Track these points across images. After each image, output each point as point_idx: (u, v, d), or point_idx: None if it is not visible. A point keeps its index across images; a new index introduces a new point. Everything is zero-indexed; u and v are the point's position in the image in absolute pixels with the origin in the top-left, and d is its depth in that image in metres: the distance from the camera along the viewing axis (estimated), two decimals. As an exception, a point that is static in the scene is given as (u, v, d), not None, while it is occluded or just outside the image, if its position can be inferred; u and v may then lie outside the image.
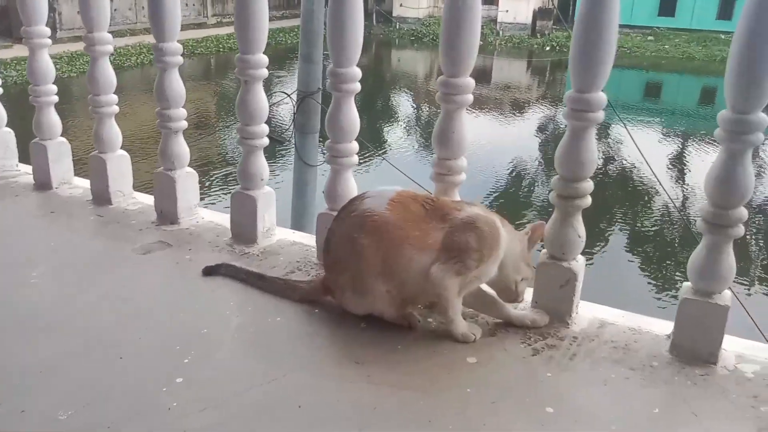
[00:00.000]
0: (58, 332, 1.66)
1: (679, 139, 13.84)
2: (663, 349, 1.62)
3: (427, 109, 14.90)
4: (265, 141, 2.10)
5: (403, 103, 15.81)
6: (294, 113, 6.56)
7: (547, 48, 20.96)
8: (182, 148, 2.23)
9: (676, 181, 11.56)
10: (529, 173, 11.85)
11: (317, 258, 2.03)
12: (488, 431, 1.34)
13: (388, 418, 1.37)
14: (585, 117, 1.59)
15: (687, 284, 1.61)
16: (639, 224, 9.78)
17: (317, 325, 1.70)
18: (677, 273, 7.99)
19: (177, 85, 2.14)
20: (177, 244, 2.12)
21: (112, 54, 2.36)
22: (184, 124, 2.21)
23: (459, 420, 1.37)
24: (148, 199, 2.42)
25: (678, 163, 12.61)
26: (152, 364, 1.53)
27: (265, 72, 2.02)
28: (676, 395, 1.47)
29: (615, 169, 11.97)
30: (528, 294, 1.73)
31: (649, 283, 8.07)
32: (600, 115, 1.58)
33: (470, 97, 1.73)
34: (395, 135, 13.51)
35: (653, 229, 9.69)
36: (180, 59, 2.14)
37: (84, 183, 2.55)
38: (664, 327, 1.71)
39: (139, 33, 18.20)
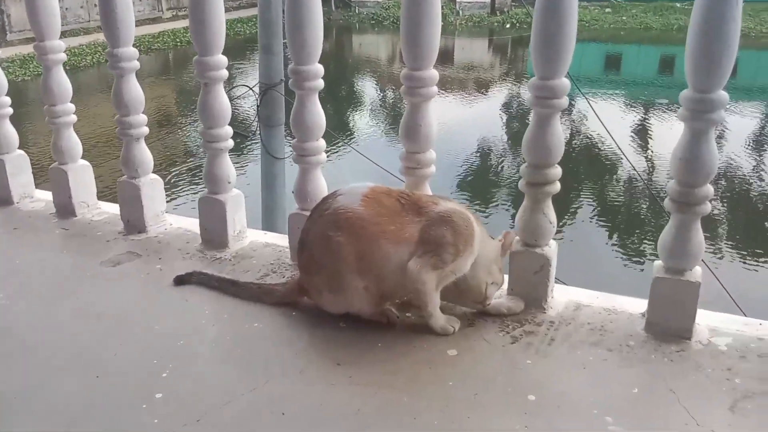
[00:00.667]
0: (31, 354, 1.62)
1: (641, 109, 14.02)
2: (638, 328, 1.65)
3: (392, 93, 14.85)
4: (230, 143, 2.07)
5: (368, 88, 15.74)
6: (257, 106, 6.48)
7: (507, 25, 21.00)
8: (145, 154, 2.18)
9: (640, 150, 11.72)
10: (496, 152, 11.90)
11: (291, 259, 2.01)
12: (472, 424, 1.35)
13: (373, 419, 1.37)
14: (549, 104, 1.59)
15: (658, 263, 1.63)
16: (605, 196, 9.91)
17: (296, 329, 1.68)
18: (645, 242, 8.12)
19: (135, 90, 2.09)
20: (146, 254, 2.08)
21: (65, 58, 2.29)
22: (146, 130, 2.16)
23: (443, 415, 1.37)
24: (113, 209, 2.37)
25: (641, 132, 12.79)
26: (131, 380, 1.51)
27: (225, 73, 1.98)
28: (654, 374, 1.49)
29: (579, 143, 12.09)
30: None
31: (616, 252, 8.19)
32: (564, 101, 1.59)
33: (435, 90, 1.72)
34: (361, 121, 13.45)
35: (619, 199, 9.82)
36: (136, 64, 2.08)
37: (46, 195, 2.49)
38: (638, 305, 1.73)
39: (92, 32, 17.75)
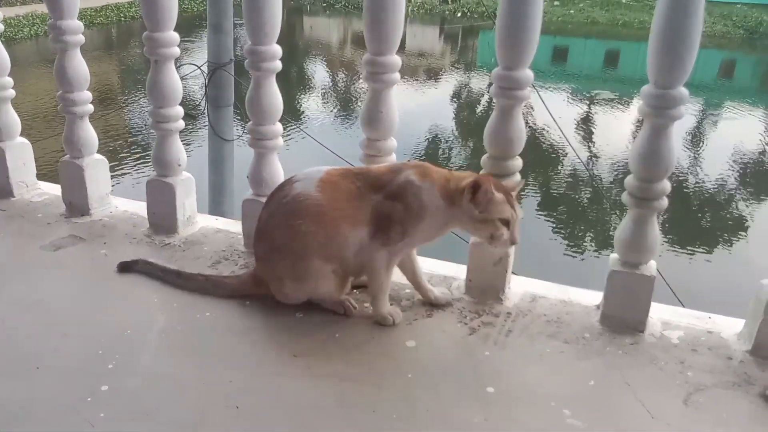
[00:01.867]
0: (-38, 345, 1.52)
1: (586, 101, 14.32)
2: (594, 320, 1.66)
3: (343, 76, 14.71)
4: (181, 124, 1.98)
5: (319, 71, 15.55)
6: (205, 86, 6.29)
7: (458, 14, 21.08)
8: (89, 133, 2.07)
9: (584, 142, 11.97)
10: (446, 139, 11.96)
11: (244, 246, 1.95)
12: (432, 416, 1.34)
13: (332, 411, 1.34)
14: (513, 95, 1.57)
15: (614, 256, 1.65)
16: (549, 186, 10.08)
17: (250, 319, 1.63)
18: (588, 233, 8.30)
19: (80, 66, 1.98)
20: (90, 238, 1.98)
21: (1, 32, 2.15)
22: (90, 108, 2.05)
23: (403, 407, 1.35)
24: (54, 189, 2.25)
25: (585, 124, 13.06)
26: (73, 372, 1.43)
27: (176, 50, 1.89)
28: (610, 366, 1.51)
29: (526, 132, 12.26)
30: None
31: (561, 243, 8.36)
32: (527, 93, 1.58)
33: (397, 76, 1.68)
34: (312, 105, 13.28)
35: (561, 190, 10.02)
36: (81, 38, 1.97)
37: (-20, 174, 2.34)
38: (593, 298, 1.75)
39: (30, 2, 16.91)
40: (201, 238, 2.01)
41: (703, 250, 7.36)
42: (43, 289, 1.73)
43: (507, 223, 1.50)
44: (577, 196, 9.87)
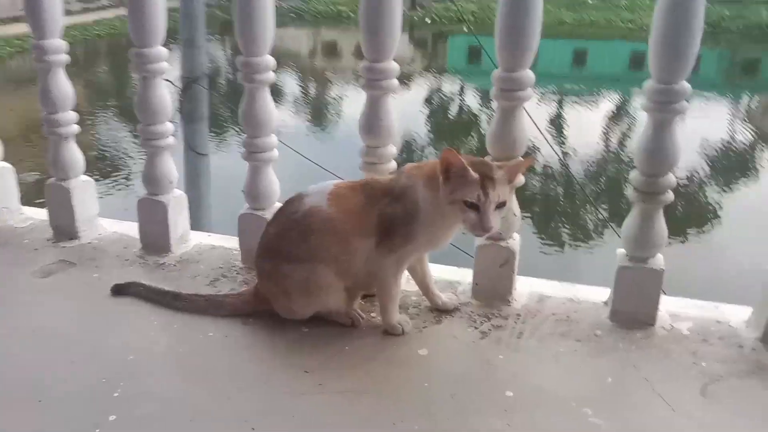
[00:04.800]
0: (-43, 380, 1.45)
1: (556, 99, 14.47)
2: (603, 317, 1.66)
3: (314, 87, 14.68)
4: (171, 140, 1.94)
5: (289, 82, 15.49)
6: (180, 100, 6.21)
7: (428, 20, 21.19)
8: (75, 154, 2.01)
9: (556, 140, 12.08)
10: (419, 144, 11.97)
11: (242, 262, 1.91)
12: (454, 425, 1.31)
13: (350, 428, 1.30)
14: (515, 96, 1.56)
15: (621, 251, 1.64)
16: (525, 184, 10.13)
17: (255, 336, 1.59)
18: (564, 228, 8.34)
19: (64, 86, 1.92)
20: (81, 262, 1.92)
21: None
22: (75, 128, 1.99)
23: (423, 418, 1.32)
24: (39, 214, 2.18)
25: (556, 122, 13.19)
26: (79, 403, 1.37)
27: (165, 66, 1.85)
28: (624, 362, 1.50)
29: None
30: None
31: (539, 238, 8.39)
32: (529, 93, 1.57)
33: (396, 82, 1.66)
34: (284, 115, 13.21)
35: (537, 187, 10.08)
36: (65, 57, 1.91)
37: (-40, 202, 2.26)
38: (599, 294, 1.75)
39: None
40: (196, 256, 1.97)
41: (679, 240, 7.46)
42: (37, 317, 1.67)
43: (474, 206, 1.40)
44: (552, 193, 9.93)
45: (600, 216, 7.86)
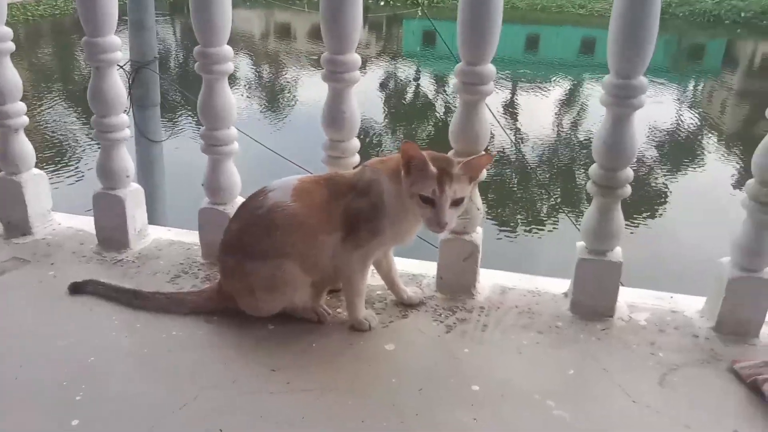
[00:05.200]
0: None
1: (509, 85, 14.62)
2: (564, 308, 1.69)
3: (267, 69, 14.46)
4: (127, 133, 1.89)
5: (242, 66, 15.21)
6: (129, 86, 6.04)
7: (381, 3, 21.08)
8: (25, 147, 1.94)
9: (511, 125, 12.23)
10: (376, 129, 11.96)
11: (203, 257, 1.88)
12: (422, 420, 1.32)
13: (319, 426, 1.30)
14: (477, 90, 1.57)
15: (581, 244, 1.68)
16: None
17: (220, 334, 1.57)
18: (518, 213, 8.47)
19: (11, 75, 1.84)
20: (35, 259, 1.86)
21: None
22: (25, 119, 1.92)
23: (391, 414, 1.33)
24: (-14, 209, 2.09)
25: (510, 108, 13.33)
26: (38, 409, 1.33)
27: (118, 55, 1.79)
28: (585, 353, 1.54)
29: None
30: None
31: (493, 224, 8.51)
32: (491, 87, 1.57)
33: (358, 74, 1.65)
34: (238, 100, 12.99)
35: (490, 173, 10.20)
36: (11, 45, 1.83)
37: None
38: (559, 286, 1.78)
39: None
40: (155, 252, 1.92)
41: (629, 224, 7.68)
42: (-11, 318, 1.61)
43: (430, 201, 1.39)
44: (507, 179, 10.06)
45: (553, 201, 8.01)
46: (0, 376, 1.41)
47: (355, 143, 1.71)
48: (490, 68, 1.56)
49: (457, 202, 1.41)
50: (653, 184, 8.34)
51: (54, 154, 8.24)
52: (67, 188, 6.93)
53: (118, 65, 1.84)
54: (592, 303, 1.65)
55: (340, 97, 1.66)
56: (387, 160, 1.51)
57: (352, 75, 1.63)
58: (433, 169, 1.38)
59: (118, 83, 1.81)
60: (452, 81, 1.58)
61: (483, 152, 1.60)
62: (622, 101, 1.49)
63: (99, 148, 1.89)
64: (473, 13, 1.50)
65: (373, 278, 1.70)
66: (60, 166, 7.81)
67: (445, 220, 1.39)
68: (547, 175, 9.18)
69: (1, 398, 1.35)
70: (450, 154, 1.64)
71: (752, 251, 1.55)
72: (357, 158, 1.73)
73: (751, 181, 1.53)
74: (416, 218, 1.48)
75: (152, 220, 2.06)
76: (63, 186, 7.04)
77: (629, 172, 1.57)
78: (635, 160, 1.56)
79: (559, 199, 8.10)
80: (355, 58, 1.63)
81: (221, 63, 1.70)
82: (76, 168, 7.69)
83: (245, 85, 13.87)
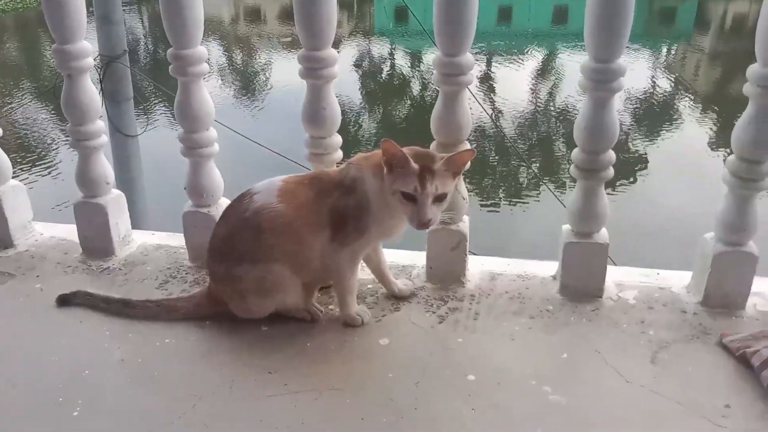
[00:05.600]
0: None
1: (484, 58, 14.57)
2: (553, 291, 1.71)
3: (240, 54, 14.27)
4: (104, 140, 1.86)
5: (213, 50, 15.00)
6: (101, 81, 5.93)
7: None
8: (1, 159, 1.90)
9: (487, 97, 12.20)
10: (352, 108, 11.88)
11: (190, 260, 1.87)
12: (421, 414, 1.33)
13: (320, 427, 1.31)
14: (457, 81, 1.56)
15: (567, 227, 1.69)
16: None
17: (214, 339, 1.56)
18: (500, 187, 8.49)
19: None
20: (20, 273, 1.84)
21: None
22: (-1, 131, 1.88)
23: (390, 410, 1.34)
24: (-35, 223, 2.06)
25: (486, 80, 13.30)
26: (35, 426, 1.32)
27: (90, 62, 1.76)
28: (577, 335, 1.56)
29: (431, 95, 12.38)
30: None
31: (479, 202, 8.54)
32: (470, 77, 1.57)
33: (337, 69, 1.63)
34: (210, 85, 12.81)
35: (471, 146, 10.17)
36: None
37: None
38: (547, 269, 1.80)
39: None
40: (141, 258, 1.91)
41: (609, 193, 7.75)
42: (-22, 337, 1.59)
43: (412, 198, 1.39)
44: (486, 153, 10.07)
45: (532, 172, 8.04)
46: (-6, 397, 1.40)
47: (337, 139, 1.70)
48: (469, 58, 1.55)
49: (439, 198, 1.41)
50: (631, 150, 8.40)
51: (28, 153, 8.11)
52: (42, 189, 6.83)
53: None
54: (581, 285, 1.67)
55: (319, 94, 1.64)
56: (370, 156, 1.50)
57: (330, 71, 1.62)
58: (414, 165, 1.38)
59: (91, 90, 1.78)
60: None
61: (466, 147, 1.59)
62: (602, 85, 1.50)
63: (77, 156, 1.86)
64: (450, 7, 1.49)
65: (363, 272, 1.70)
66: (35, 166, 7.69)
67: (428, 216, 1.39)
68: (526, 147, 9.20)
69: (-4, 420, 1.33)
70: (432, 145, 1.64)
71: (735, 226, 1.57)
72: (340, 154, 1.72)
73: (731, 157, 1.55)
74: (401, 214, 1.48)
75: (132, 217, 2.02)
76: (37, 183, 6.94)
77: (611, 155, 1.58)
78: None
79: (539, 172, 8.13)
80: (332, 53, 1.61)
81: (196, 64, 1.67)
82: (52, 166, 7.56)
83: (218, 72, 13.69)
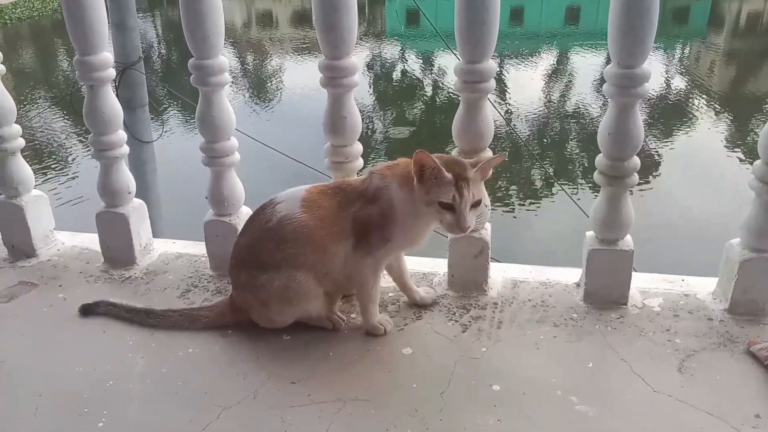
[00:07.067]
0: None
1: (497, 58, 14.53)
2: (576, 299, 1.69)
3: (252, 59, 14.34)
4: (125, 149, 1.86)
5: (226, 55, 15.12)
6: (116, 88, 5.97)
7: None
8: (24, 169, 1.91)
9: (500, 98, 12.16)
10: (366, 111, 11.90)
11: (211, 269, 1.87)
12: (446, 425, 1.32)
13: (346, 438, 1.30)
14: (478, 88, 1.55)
15: (591, 234, 1.67)
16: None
17: (236, 349, 1.56)
18: (512, 187, 8.44)
19: (4, 99, 1.81)
20: (43, 282, 1.85)
21: None
22: (21, 142, 1.90)
23: (415, 421, 1.33)
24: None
25: (498, 82, 13.25)
26: (61, 439, 1.33)
27: (112, 73, 1.77)
28: (603, 344, 1.54)
29: (444, 97, 12.37)
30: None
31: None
32: (492, 84, 1.56)
33: (357, 79, 1.63)
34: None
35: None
36: (1, 68, 1.80)
37: None
38: (570, 275, 1.78)
39: None
40: (162, 266, 1.91)
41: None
42: (3, 346, 1.60)
43: (450, 207, 1.40)
44: (500, 148, 10.00)
45: (547, 173, 7.99)
46: (17, 407, 1.40)
47: (358, 147, 1.70)
48: (491, 65, 1.54)
49: (475, 204, 1.42)
50: (645, 149, 8.33)
51: (45, 160, 8.18)
52: (60, 195, 6.88)
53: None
54: (606, 292, 1.65)
55: (339, 103, 1.64)
56: (394, 166, 1.50)
57: (350, 80, 1.62)
58: (448, 175, 1.38)
59: (112, 99, 1.79)
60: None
61: (488, 154, 1.59)
62: (626, 91, 1.48)
63: (99, 166, 1.87)
64: (471, 13, 1.48)
65: (384, 280, 1.69)
66: (52, 169, 7.75)
67: (468, 224, 1.41)
68: (539, 149, 9.16)
69: (22, 430, 1.34)
70: (454, 152, 1.63)
71: (762, 231, 1.55)
72: (361, 162, 1.72)
73: (758, 163, 1.53)
74: (427, 223, 1.48)
75: (151, 220, 2.03)
76: (55, 191, 6.99)
77: (636, 161, 1.56)
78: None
79: (553, 172, 8.08)
80: (353, 62, 1.61)
81: (217, 74, 1.68)
82: (72, 173, 7.62)
83: (231, 75, 13.75)
